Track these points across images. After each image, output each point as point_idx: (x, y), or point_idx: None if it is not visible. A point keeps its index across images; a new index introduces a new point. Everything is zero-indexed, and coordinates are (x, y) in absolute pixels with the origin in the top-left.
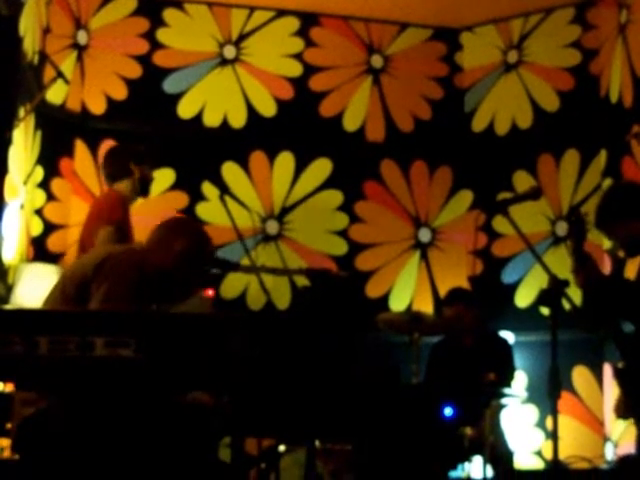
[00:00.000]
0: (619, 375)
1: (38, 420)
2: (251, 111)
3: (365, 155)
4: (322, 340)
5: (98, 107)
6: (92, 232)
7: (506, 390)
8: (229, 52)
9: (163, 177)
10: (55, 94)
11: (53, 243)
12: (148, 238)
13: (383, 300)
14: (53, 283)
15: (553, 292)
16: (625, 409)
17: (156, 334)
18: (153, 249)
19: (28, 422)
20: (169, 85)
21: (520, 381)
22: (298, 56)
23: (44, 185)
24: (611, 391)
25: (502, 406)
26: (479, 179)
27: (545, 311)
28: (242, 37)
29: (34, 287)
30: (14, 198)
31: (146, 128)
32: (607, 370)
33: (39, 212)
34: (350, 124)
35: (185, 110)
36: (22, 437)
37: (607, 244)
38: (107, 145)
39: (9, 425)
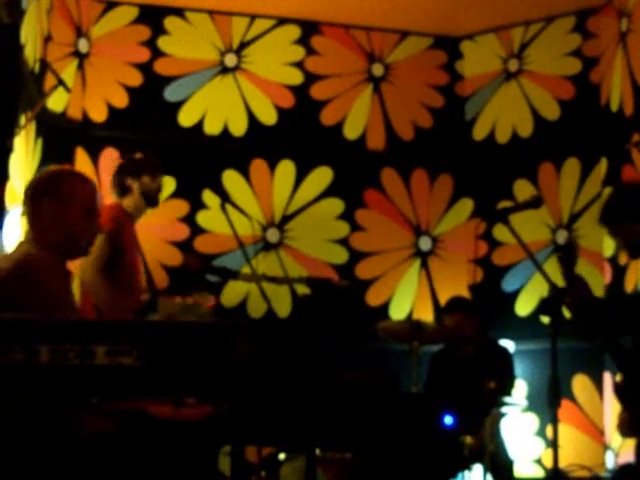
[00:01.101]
0: (618, 390)
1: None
2: (252, 119)
3: (366, 163)
4: (322, 348)
5: (99, 115)
6: None
7: (506, 399)
8: (230, 60)
9: (164, 185)
10: (56, 102)
11: None
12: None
13: (383, 308)
14: None
15: (553, 301)
16: (628, 427)
17: (157, 342)
18: (35, 227)
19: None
20: (170, 93)
21: (520, 389)
22: (299, 64)
23: None
24: (611, 400)
25: (502, 415)
26: (480, 187)
27: (545, 320)
28: (243, 45)
29: None
30: (15, 205)
31: (147, 136)
32: (607, 379)
33: None
34: (351, 132)
35: (186, 118)
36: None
37: (608, 252)
38: (108, 153)
39: None
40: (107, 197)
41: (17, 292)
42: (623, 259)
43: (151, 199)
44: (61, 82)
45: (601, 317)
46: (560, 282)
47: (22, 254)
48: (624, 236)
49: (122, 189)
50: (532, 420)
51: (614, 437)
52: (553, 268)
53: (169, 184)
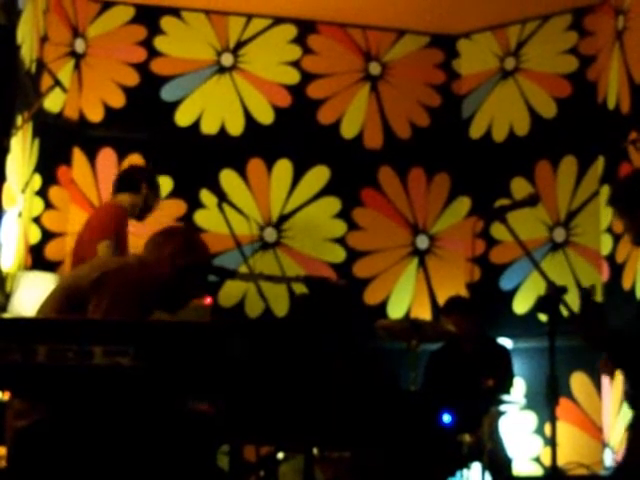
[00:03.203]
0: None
1: (34, 432)
2: (249, 119)
3: (363, 162)
4: (320, 347)
5: (96, 115)
6: (92, 243)
7: (504, 397)
8: (227, 60)
9: (161, 185)
10: (53, 102)
11: (51, 251)
12: (143, 250)
13: (381, 307)
14: (48, 291)
15: (551, 299)
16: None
17: (154, 342)
18: (147, 260)
19: (24, 434)
20: (167, 93)
21: (518, 388)
22: (296, 63)
23: (42, 193)
24: (609, 397)
25: (501, 413)
26: (477, 186)
27: (543, 317)
28: (240, 45)
29: (32, 295)
30: (12, 206)
31: (144, 136)
32: (605, 376)
33: (37, 220)
34: (348, 131)
35: (183, 118)
36: (18, 450)
37: (605, 250)
38: (105, 153)
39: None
40: (104, 195)
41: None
42: (619, 229)
43: (142, 213)
44: (57, 82)
45: (615, 348)
46: (557, 280)
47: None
48: (632, 220)
49: (130, 185)
50: (530, 418)
51: (613, 435)
52: (550, 266)
53: (166, 184)
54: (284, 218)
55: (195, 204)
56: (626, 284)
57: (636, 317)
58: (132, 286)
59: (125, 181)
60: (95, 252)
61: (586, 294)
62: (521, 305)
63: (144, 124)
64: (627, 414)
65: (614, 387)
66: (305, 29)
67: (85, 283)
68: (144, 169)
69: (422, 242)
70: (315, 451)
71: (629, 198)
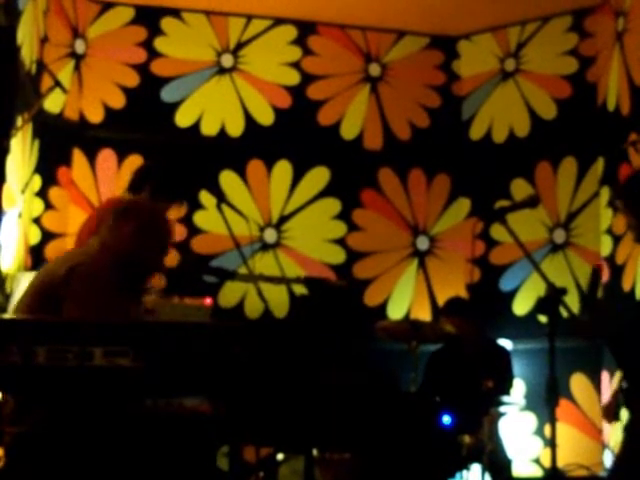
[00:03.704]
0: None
1: (32, 436)
2: (249, 120)
3: (363, 163)
4: (320, 348)
5: (96, 116)
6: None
7: (504, 398)
8: (227, 61)
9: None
10: (53, 103)
11: (51, 252)
12: (98, 228)
13: (381, 308)
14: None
15: (551, 300)
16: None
17: (154, 343)
18: (108, 243)
19: (21, 439)
20: (167, 94)
21: (518, 389)
22: (296, 64)
23: (42, 194)
24: (609, 398)
25: (500, 414)
26: (477, 187)
27: (543, 319)
28: (240, 46)
29: None
30: (12, 207)
31: (144, 137)
32: (605, 378)
33: (37, 221)
34: (348, 132)
35: (183, 119)
36: (17, 454)
37: (605, 251)
38: (105, 154)
39: None
40: (104, 196)
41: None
42: (619, 230)
43: None
44: (58, 83)
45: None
46: (557, 281)
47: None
48: (637, 217)
49: (135, 187)
50: (530, 419)
51: (612, 436)
52: (550, 267)
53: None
54: (284, 219)
55: (195, 205)
56: (626, 285)
57: (636, 318)
58: (99, 277)
59: (132, 181)
60: None
61: (596, 273)
62: (521, 306)
63: (144, 125)
64: (625, 416)
65: (614, 388)
66: (305, 30)
67: (56, 279)
68: (154, 172)
69: (422, 243)
70: (315, 452)
71: (636, 195)
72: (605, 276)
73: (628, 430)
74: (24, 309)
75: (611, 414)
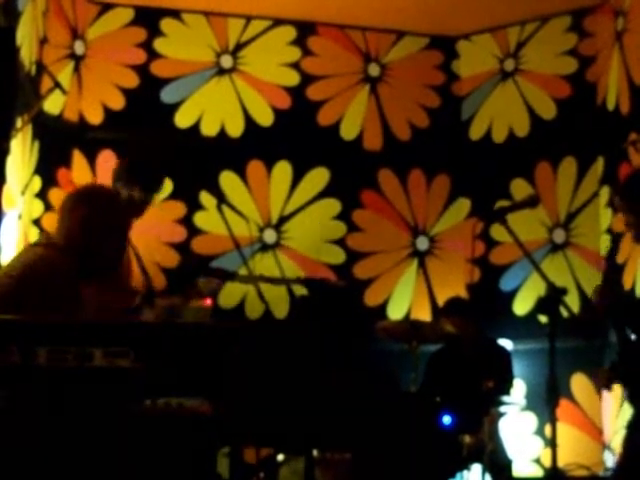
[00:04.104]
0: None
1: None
2: (248, 120)
3: (362, 164)
4: (321, 349)
5: (95, 117)
6: None
7: (505, 398)
8: (226, 61)
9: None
10: (52, 104)
11: None
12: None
13: (381, 308)
14: None
15: (551, 300)
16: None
17: (154, 344)
18: (60, 231)
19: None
20: (166, 95)
21: (518, 389)
22: (295, 65)
23: (42, 195)
24: (610, 399)
25: (501, 414)
26: (477, 187)
27: (543, 319)
28: (239, 46)
29: None
30: (12, 208)
31: (143, 138)
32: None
33: (37, 222)
34: (347, 133)
35: (182, 119)
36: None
37: (605, 250)
38: (105, 155)
39: None
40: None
41: (26, 292)
42: (619, 229)
43: (136, 210)
44: (57, 84)
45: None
46: (557, 281)
47: (35, 255)
48: (638, 216)
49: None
50: (530, 419)
51: (613, 436)
52: (550, 267)
53: (166, 185)
54: (284, 220)
55: (195, 206)
56: (626, 285)
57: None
58: (53, 278)
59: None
60: None
61: (616, 239)
62: (521, 306)
63: (144, 126)
64: (627, 414)
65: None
66: (304, 31)
67: (7, 283)
68: (126, 165)
69: (422, 243)
70: (315, 453)
71: (637, 194)
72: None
73: (631, 427)
74: None
75: (604, 380)
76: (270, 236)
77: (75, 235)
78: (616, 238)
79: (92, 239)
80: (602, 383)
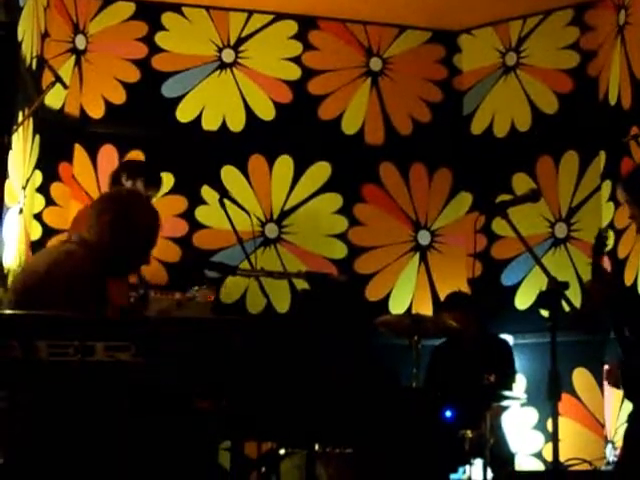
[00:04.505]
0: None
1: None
2: (250, 115)
3: (364, 158)
4: (322, 343)
5: (97, 111)
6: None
7: (506, 392)
8: (228, 56)
9: (162, 177)
10: (54, 99)
11: None
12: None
13: (383, 303)
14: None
15: (552, 294)
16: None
17: (155, 338)
18: (90, 231)
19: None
20: (168, 89)
21: (520, 383)
22: (297, 59)
23: (43, 190)
24: (611, 393)
25: (503, 408)
26: (478, 181)
27: (545, 313)
28: (240, 41)
29: None
30: (14, 203)
31: (145, 132)
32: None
33: (38, 217)
34: (349, 127)
35: (184, 114)
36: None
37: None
38: (106, 149)
39: None
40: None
41: (52, 287)
42: (621, 224)
43: None
44: (58, 79)
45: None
46: (559, 275)
47: (63, 252)
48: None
49: (115, 182)
50: (532, 414)
51: (615, 431)
52: (552, 262)
53: (167, 180)
54: (285, 214)
55: (196, 200)
56: (628, 280)
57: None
58: (82, 270)
59: (111, 179)
60: None
61: (601, 236)
62: (522, 301)
63: (145, 120)
64: (628, 408)
65: None
66: (306, 25)
67: (35, 278)
68: (124, 163)
69: (423, 238)
70: (317, 447)
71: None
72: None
73: (632, 421)
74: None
75: (614, 379)
76: (272, 230)
77: (104, 238)
78: (601, 236)
79: (121, 242)
80: (612, 381)
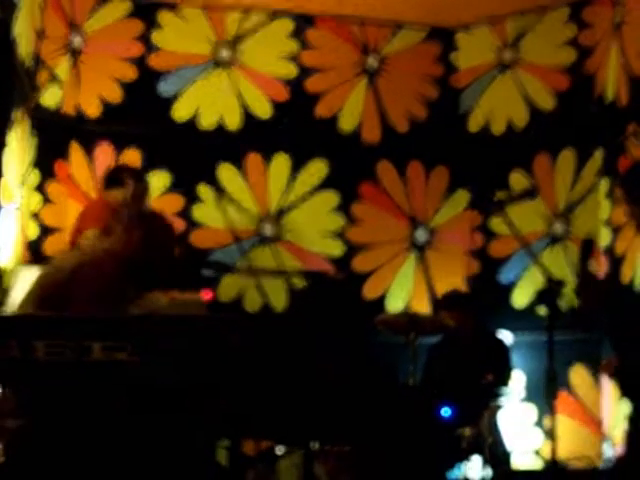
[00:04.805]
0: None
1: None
2: (246, 113)
3: (361, 156)
4: (319, 342)
5: (93, 110)
6: (80, 233)
7: (504, 390)
8: (224, 54)
9: (159, 180)
10: (50, 97)
11: (49, 246)
12: (91, 225)
13: (380, 301)
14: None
15: (550, 292)
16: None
17: (151, 337)
18: (116, 247)
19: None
20: (164, 87)
21: (518, 381)
22: (293, 58)
23: (40, 188)
24: (609, 391)
25: (500, 406)
26: (475, 179)
27: (542, 311)
28: (237, 39)
29: None
30: (10, 201)
31: (141, 130)
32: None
33: (35, 215)
34: (346, 125)
35: (180, 112)
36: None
37: (604, 243)
38: (102, 148)
39: None
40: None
41: (73, 289)
42: (618, 221)
43: (136, 201)
44: (55, 77)
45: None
46: (556, 273)
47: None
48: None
49: (114, 180)
50: (530, 411)
51: (612, 428)
52: (549, 259)
53: (164, 178)
54: (282, 212)
55: (193, 199)
56: (625, 277)
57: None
58: (104, 280)
59: (110, 179)
60: None
61: (587, 245)
62: (520, 299)
63: (141, 119)
64: (626, 406)
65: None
66: (302, 23)
67: (60, 277)
68: (127, 166)
69: (421, 236)
70: (314, 445)
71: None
72: (604, 268)
73: (632, 421)
74: (30, 308)
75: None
76: (269, 229)
77: (131, 252)
78: (587, 244)
79: (146, 258)
80: (609, 373)
